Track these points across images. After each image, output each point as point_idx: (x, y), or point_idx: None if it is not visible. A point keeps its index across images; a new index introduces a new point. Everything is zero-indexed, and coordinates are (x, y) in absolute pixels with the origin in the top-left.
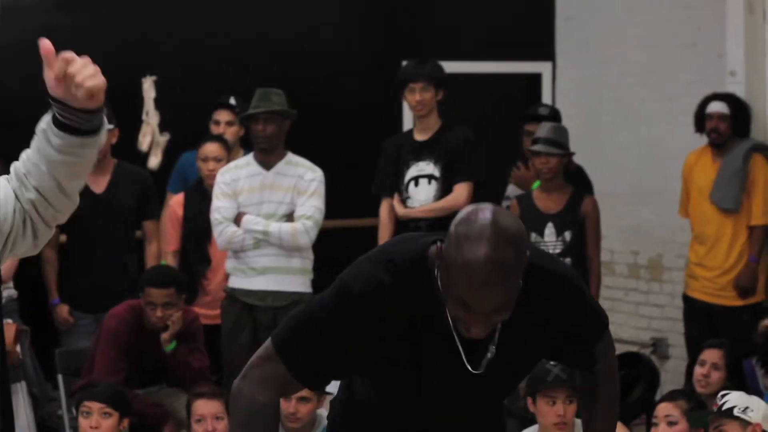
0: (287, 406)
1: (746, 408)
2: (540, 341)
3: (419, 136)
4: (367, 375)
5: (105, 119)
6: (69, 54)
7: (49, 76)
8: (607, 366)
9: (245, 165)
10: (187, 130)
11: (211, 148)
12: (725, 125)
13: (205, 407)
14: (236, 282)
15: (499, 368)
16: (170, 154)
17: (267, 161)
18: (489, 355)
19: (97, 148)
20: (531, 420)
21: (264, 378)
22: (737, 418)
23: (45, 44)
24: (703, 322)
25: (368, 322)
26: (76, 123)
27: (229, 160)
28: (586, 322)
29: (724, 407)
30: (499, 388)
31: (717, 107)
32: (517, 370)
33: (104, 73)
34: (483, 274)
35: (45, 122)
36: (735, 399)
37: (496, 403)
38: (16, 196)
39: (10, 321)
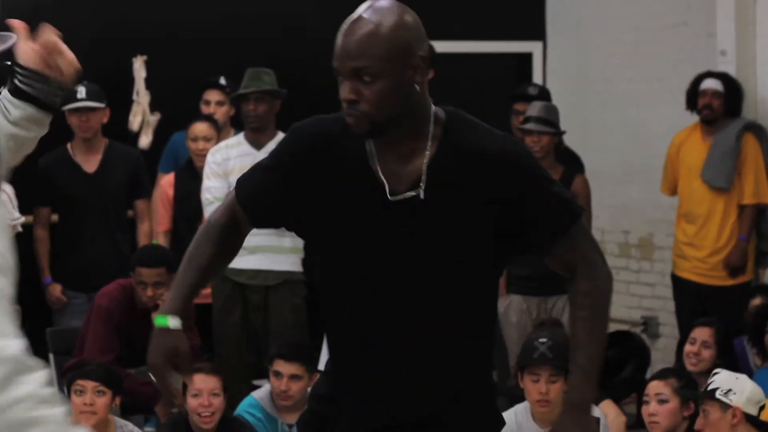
0: (279, 384)
1: (728, 391)
2: (480, 205)
3: None
4: (309, 230)
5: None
6: (51, 29)
7: (30, 46)
8: (585, 275)
9: (236, 145)
10: (177, 110)
11: (200, 128)
12: (719, 102)
13: (203, 382)
14: None
15: (433, 222)
16: (161, 133)
17: (258, 141)
18: (421, 185)
19: (44, 130)
20: (521, 398)
21: (223, 206)
22: (718, 400)
23: (15, 21)
24: (693, 301)
25: (307, 163)
26: (41, 93)
27: (219, 140)
28: (541, 195)
29: (710, 387)
30: (441, 260)
31: (711, 84)
32: (457, 237)
33: (95, 53)
34: (348, 25)
35: (2, 95)
36: (720, 380)
37: (445, 293)
38: None
39: None
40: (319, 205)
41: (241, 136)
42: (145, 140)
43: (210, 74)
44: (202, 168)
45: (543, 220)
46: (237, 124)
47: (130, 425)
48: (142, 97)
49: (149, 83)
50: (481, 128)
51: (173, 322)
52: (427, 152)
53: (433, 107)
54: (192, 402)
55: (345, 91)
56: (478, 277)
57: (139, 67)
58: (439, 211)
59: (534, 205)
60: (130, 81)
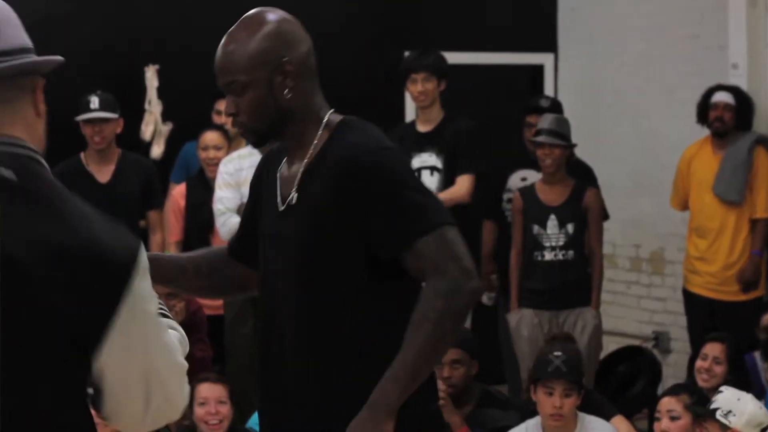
0: None
1: (729, 412)
2: (337, 212)
3: (422, 128)
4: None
5: None
6: None
7: None
8: (429, 282)
9: (248, 155)
10: (190, 120)
11: (210, 137)
12: (730, 115)
13: (209, 390)
14: None
15: (299, 226)
16: (173, 143)
17: None
18: (293, 191)
19: None
20: (533, 413)
21: None
22: (718, 420)
23: None
24: (704, 316)
25: (256, 181)
26: None
27: (230, 149)
28: (386, 208)
29: (712, 406)
30: (305, 264)
31: (723, 97)
32: (317, 242)
33: (107, 62)
34: (221, 42)
35: None
36: (722, 400)
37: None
38: None
39: None
40: (257, 214)
41: (252, 147)
42: (157, 150)
43: None
44: (213, 178)
45: (384, 233)
46: None
47: None
48: (154, 106)
49: (161, 93)
50: (361, 137)
51: None
52: (306, 159)
53: (329, 114)
54: (199, 411)
55: (226, 106)
56: (341, 284)
57: (151, 77)
58: (305, 216)
59: (377, 219)
60: (142, 90)
